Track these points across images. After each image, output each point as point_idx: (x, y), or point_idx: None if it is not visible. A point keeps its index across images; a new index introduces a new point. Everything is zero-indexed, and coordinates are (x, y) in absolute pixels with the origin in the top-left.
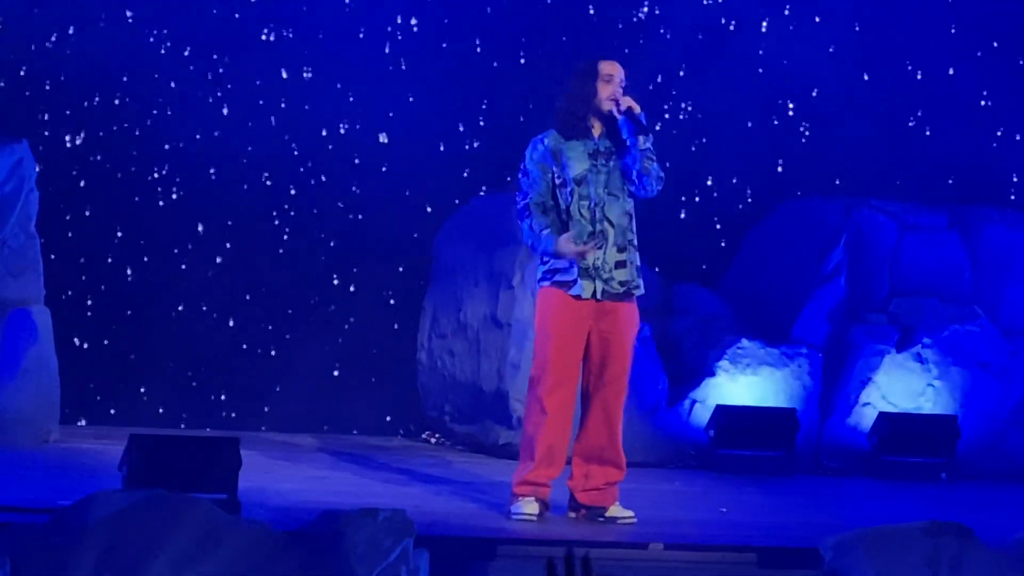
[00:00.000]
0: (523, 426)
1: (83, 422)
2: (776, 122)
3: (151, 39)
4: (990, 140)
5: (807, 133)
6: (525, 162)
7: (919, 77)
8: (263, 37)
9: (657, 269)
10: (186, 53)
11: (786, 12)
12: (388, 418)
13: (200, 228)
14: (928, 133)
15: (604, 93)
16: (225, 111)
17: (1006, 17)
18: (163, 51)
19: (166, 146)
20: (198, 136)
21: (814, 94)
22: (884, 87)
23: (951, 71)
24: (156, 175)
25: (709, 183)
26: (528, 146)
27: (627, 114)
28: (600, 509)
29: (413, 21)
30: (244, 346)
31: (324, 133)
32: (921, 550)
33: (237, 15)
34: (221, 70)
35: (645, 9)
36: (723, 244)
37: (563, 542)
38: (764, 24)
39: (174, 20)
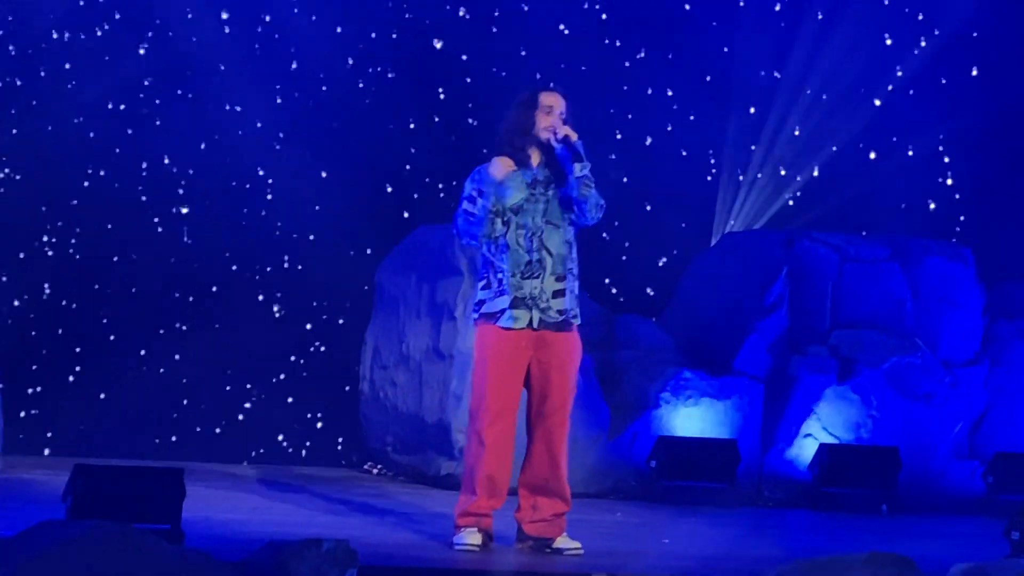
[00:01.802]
0: (463, 458)
1: (27, 454)
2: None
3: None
4: (931, 173)
5: (751, 166)
6: (465, 192)
7: (871, 106)
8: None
9: (599, 302)
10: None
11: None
12: (330, 449)
13: (143, 259)
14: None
15: (543, 123)
16: (164, 142)
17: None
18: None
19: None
20: (139, 165)
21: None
22: (828, 118)
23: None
24: (100, 206)
25: (649, 214)
26: (468, 178)
27: (564, 142)
28: (547, 540)
29: (357, 54)
30: (187, 377)
31: (261, 171)
32: None
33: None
34: (157, 101)
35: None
36: (665, 277)
37: (506, 573)
38: (725, 48)
39: (113, 51)
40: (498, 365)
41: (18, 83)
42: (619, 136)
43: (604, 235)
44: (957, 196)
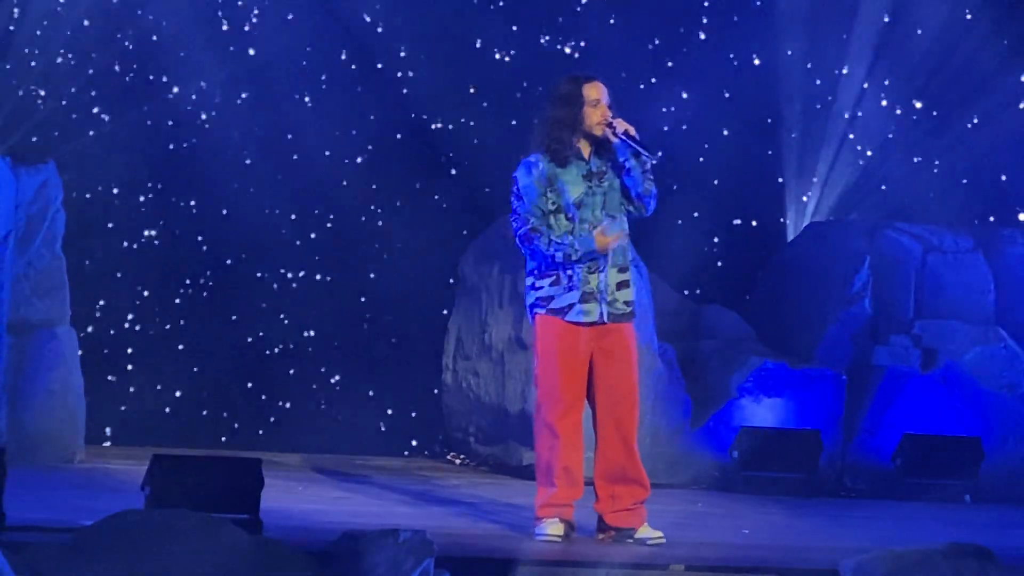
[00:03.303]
0: (536, 451)
1: (108, 443)
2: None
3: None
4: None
5: (836, 158)
6: (519, 184)
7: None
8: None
9: (686, 292)
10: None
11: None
12: (413, 439)
13: (224, 250)
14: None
15: (594, 119)
16: (249, 136)
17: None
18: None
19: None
20: (225, 158)
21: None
22: (904, 113)
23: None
24: (190, 203)
25: (733, 204)
26: (519, 169)
27: (624, 136)
28: (629, 530)
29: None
30: (271, 368)
31: (345, 160)
32: (942, 572)
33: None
34: (243, 94)
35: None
36: (749, 267)
37: (583, 563)
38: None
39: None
40: (566, 358)
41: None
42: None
43: (685, 219)
44: None
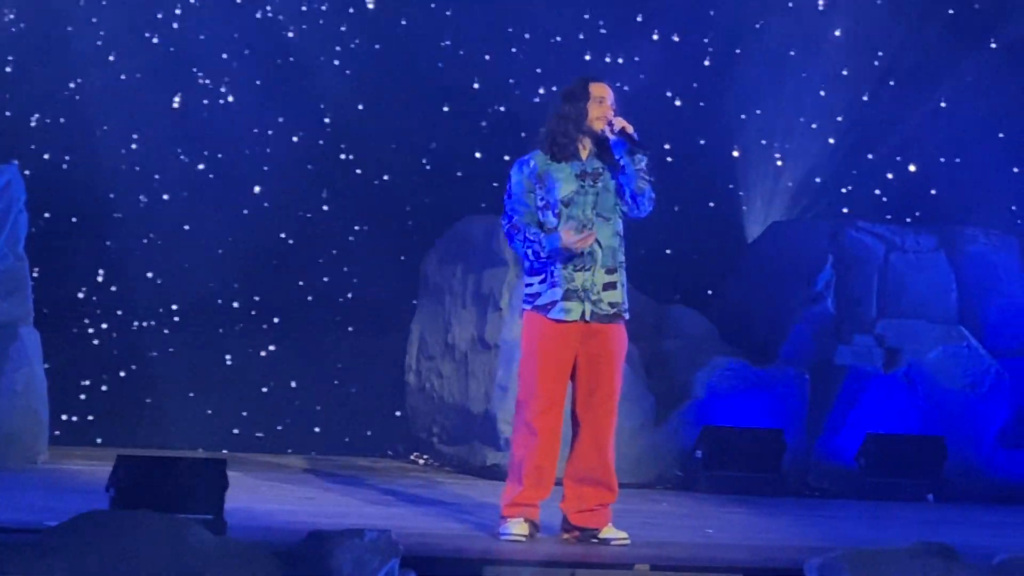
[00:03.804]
0: (511, 448)
1: (72, 443)
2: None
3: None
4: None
5: (794, 156)
6: (510, 184)
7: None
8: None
9: (646, 292)
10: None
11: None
12: (376, 439)
13: (190, 253)
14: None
15: (595, 114)
16: (222, 132)
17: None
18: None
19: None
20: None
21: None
22: (871, 113)
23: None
24: (145, 200)
25: (697, 205)
26: (513, 167)
27: (620, 134)
28: (593, 531)
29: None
30: (232, 368)
31: (309, 166)
32: (907, 571)
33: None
34: (225, 80)
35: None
36: (714, 266)
37: (550, 563)
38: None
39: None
40: (548, 357)
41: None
42: (667, 127)
43: (658, 233)
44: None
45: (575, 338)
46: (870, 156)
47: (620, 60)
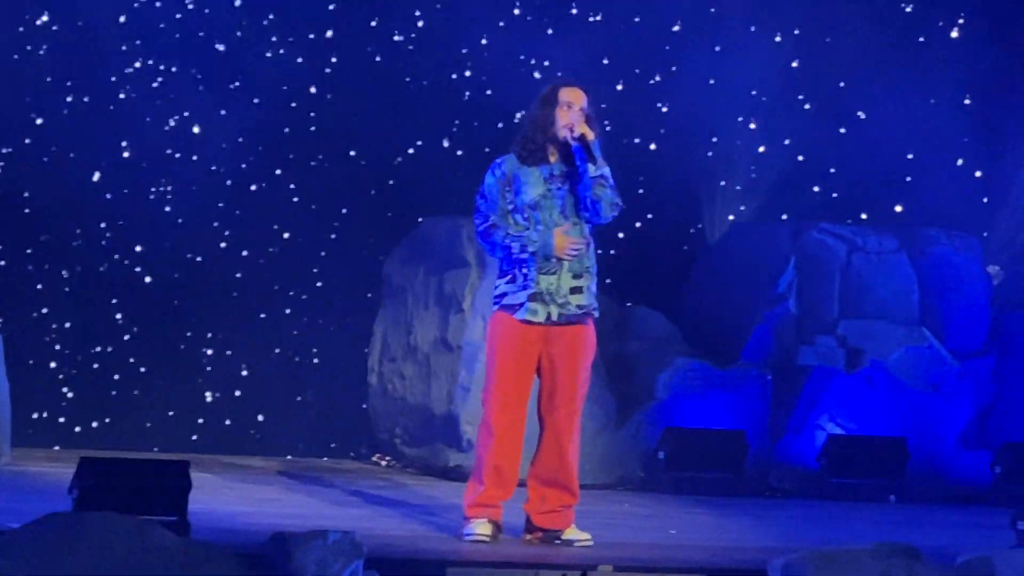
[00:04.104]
0: (475, 448)
1: (35, 445)
2: (721, 146)
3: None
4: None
5: (757, 157)
6: (484, 185)
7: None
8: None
9: (609, 293)
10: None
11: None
12: (339, 441)
13: (150, 253)
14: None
15: (562, 120)
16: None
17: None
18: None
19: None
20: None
21: (752, 126)
22: (828, 112)
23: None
24: (110, 200)
25: (659, 206)
26: (488, 169)
27: (580, 141)
28: (556, 532)
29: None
30: (195, 370)
31: (269, 165)
32: (870, 572)
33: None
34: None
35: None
36: (675, 268)
37: (512, 564)
38: (716, 48)
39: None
40: (508, 355)
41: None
42: (628, 126)
43: (620, 235)
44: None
45: (540, 339)
46: (830, 158)
47: (576, 66)
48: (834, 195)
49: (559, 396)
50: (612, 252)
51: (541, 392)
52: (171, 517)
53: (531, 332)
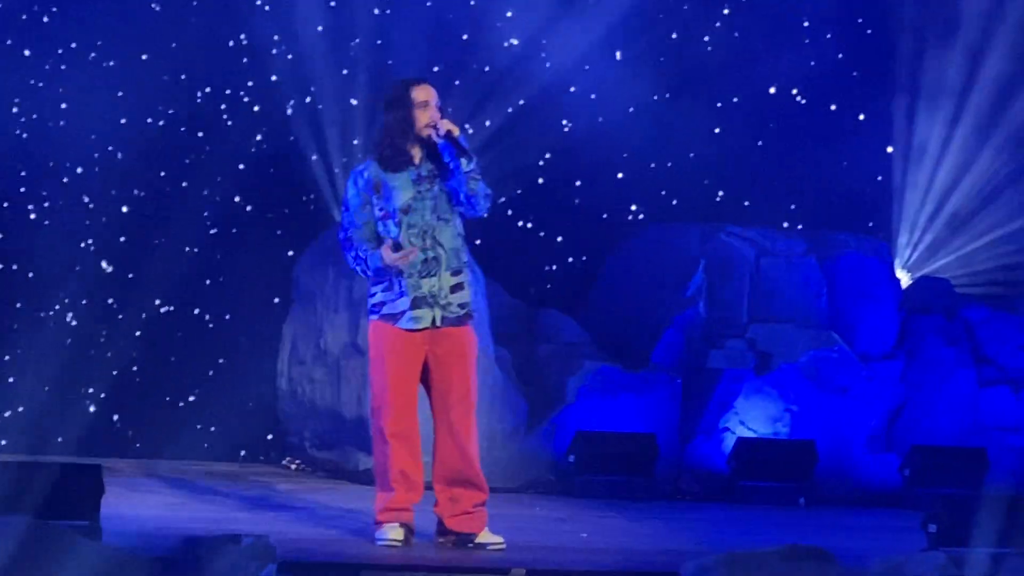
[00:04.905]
0: (373, 456)
1: None
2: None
3: None
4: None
5: (664, 159)
6: (347, 195)
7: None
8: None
9: (518, 296)
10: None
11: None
12: (248, 445)
13: (60, 255)
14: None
15: (422, 120)
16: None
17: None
18: None
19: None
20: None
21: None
22: (738, 114)
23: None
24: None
25: (569, 209)
26: (348, 179)
27: (447, 138)
28: (470, 535)
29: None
30: (105, 373)
31: (188, 160)
32: (781, 574)
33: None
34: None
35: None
36: (583, 271)
37: (426, 568)
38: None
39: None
40: (397, 362)
41: None
42: (535, 127)
43: (521, 223)
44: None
45: (422, 343)
46: (742, 161)
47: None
48: (745, 202)
49: (453, 395)
50: (522, 255)
51: (432, 394)
52: (83, 522)
53: (415, 337)
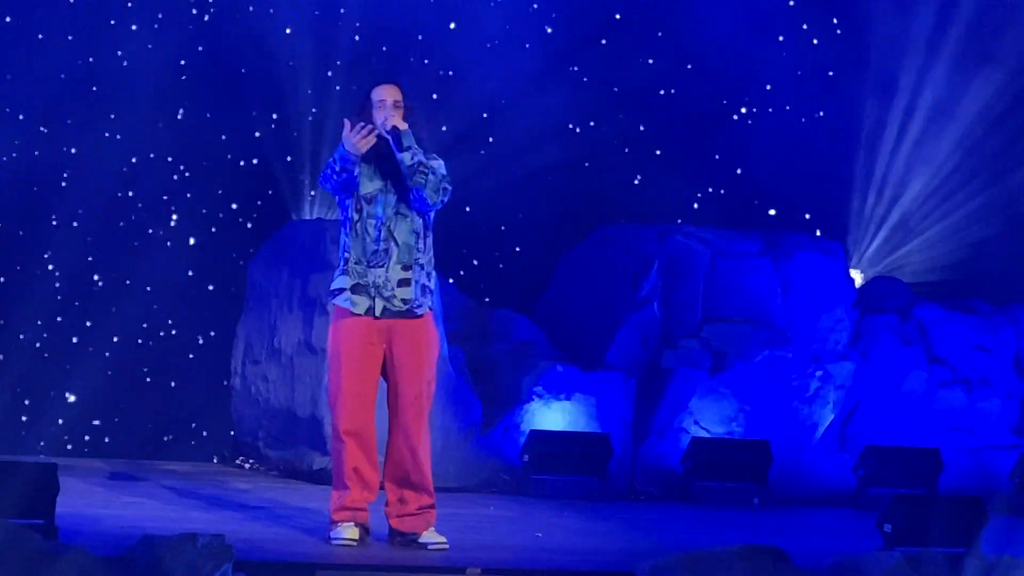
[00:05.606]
0: (330, 455)
1: None
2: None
3: None
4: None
5: (620, 158)
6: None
7: (735, 105)
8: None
9: (471, 295)
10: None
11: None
12: (201, 444)
13: (22, 256)
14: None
15: (378, 118)
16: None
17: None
18: None
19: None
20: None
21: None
22: (698, 114)
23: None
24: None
25: (524, 206)
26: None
27: (391, 133)
28: (413, 535)
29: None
30: (60, 372)
31: (134, 160)
32: (737, 573)
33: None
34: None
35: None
36: (537, 269)
37: (381, 567)
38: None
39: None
40: (351, 357)
41: None
42: (498, 126)
43: (475, 221)
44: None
45: (379, 338)
46: (698, 161)
47: (450, 69)
48: (699, 197)
49: (404, 397)
50: (477, 254)
51: (388, 392)
52: (39, 521)
53: (370, 328)
